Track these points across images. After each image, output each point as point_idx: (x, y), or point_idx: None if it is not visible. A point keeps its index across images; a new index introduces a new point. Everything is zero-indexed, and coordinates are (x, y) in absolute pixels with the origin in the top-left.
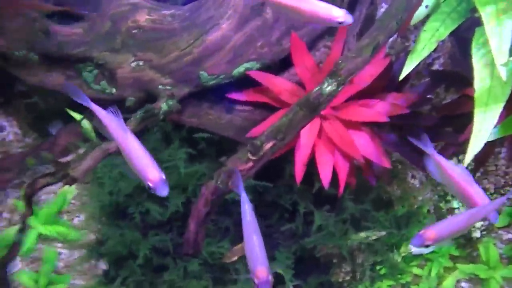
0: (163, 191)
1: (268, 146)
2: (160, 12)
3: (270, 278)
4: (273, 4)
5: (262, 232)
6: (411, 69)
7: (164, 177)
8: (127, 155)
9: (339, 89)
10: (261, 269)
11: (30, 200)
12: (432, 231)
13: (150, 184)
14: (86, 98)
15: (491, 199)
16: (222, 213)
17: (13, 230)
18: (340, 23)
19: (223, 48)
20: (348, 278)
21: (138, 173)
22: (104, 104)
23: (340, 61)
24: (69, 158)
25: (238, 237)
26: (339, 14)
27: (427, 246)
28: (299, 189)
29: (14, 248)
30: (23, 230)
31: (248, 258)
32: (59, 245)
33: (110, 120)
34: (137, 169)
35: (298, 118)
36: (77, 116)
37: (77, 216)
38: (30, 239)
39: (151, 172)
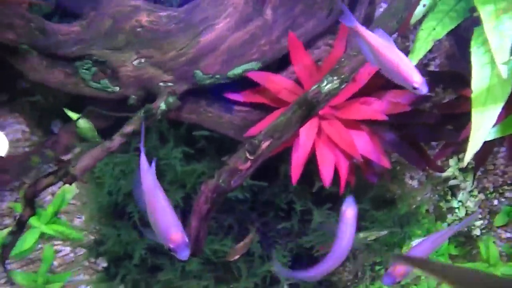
0: (184, 254)
1: (265, 145)
2: (157, 14)
3: (187, 240)
4: (360, 38)
5: (259, 231)
6: None
7: (187, 240)
8: (151, 210)
9: (342, 87)
10: (175, 234)
11: (32, 201)
12: (400, 267)
13: (171, 246)
14: (141, 147)
15: (489, 198)
16: (224, 211)
17: (6, 230)
18: (414, 88)
19: (217, 48)
20: (347, 277)
21: (159, 232)
22: (103, 102)
23: (343, 59)
24: (69, 156)
25: (241, 235)
26: (418, 80)
27: (398, 282)
28: (295, 188)
29: (7, 248)
30: (19, 230)
31: (157, 227)
32: (56, 242)
33: (147, 171)
34: (158, 227)
35: (296, 117)
36: (73, 115)
37: (77, 217)
38: (31, 239)
39: (174, 235)
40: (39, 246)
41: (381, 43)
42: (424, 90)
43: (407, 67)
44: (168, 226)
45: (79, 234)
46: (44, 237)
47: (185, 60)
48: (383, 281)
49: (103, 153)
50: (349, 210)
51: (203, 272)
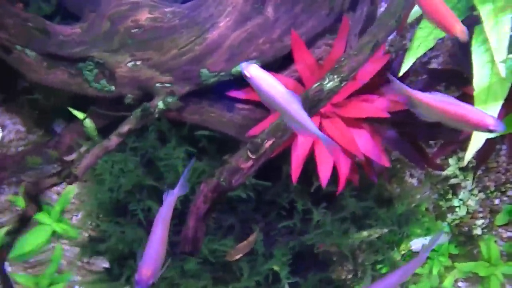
0: None
1: (268, 144)
2: (161, 10)
3: (150, 282)
4: (419, 103)
5: (261, 230)
6: (409, 66)
7: (151, 282)
8: (149, 237)
9: (342, 86)
10: (146, 269)
11: (35, 198)
12: None
13: (137, 278)
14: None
15: (490, 197)
16: (226, 211)
17: (5, 229)
18: (490, 130)
19: (221, 46)
20: (349, 276)
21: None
22: (103, 101)
23: (343, 59)
24: (73, 156)
25: (242, 234)
26: (491, 122)
27: None
28: (296, 188)
29: (6, 247)
30: (21, 227)
31: (144, 253)
32: (64, 241)
33: (168, 203)
34: (143, 254)
35: None
36: (79, 114)
37: (75, 215)
38: (42, 237)
39: (145, 270)
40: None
41: (441, 101)
42: (501, 128)
43: (477, 114)
44: (148, 260)
45: (75, 232)
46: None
47: (190, 58)
48: None
49: (101, 152)
50: (251, 70)
51: (202, 272)
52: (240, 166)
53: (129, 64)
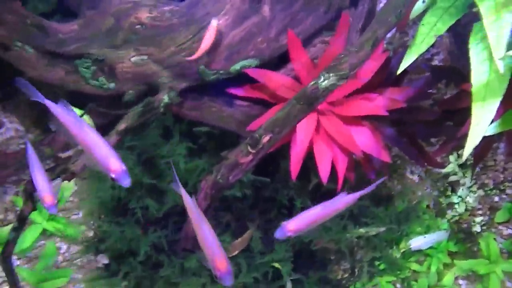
0: (125, 181)
1: (266, 139)
2: (160, 9)
3: (231, 268)
4: None
5: (260, 227)
6: (410, 63)
7: (125, 167)
8: (86, 147)
9: (339, 83)
10: (220, 261)
11: (31, 196)
12: (291, 223)
13: (113, 175)
14: (38, 94)
15: (489, 195)
16: (222, 208)
17: (9, 227)
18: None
19: (219, 44)
20: (345, 275)
21: (99, 164)
22: (102, 99)
23: (342, 55)
24: (69, 153)
25: (238, 231)
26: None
27: (288, 236)
28: (295, 185)
29: (10, 244)
30: (20, 225)
31: (204, 251)
32: (57, 239)
33: (65, 114)
34: (98, 160)
35: (294, 112)
36: (77, 112)
37: (75, 214)
38: (33, 235)
39: (113, 163)
40: (42, 242)
41: None
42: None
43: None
44: (106, 157)
45: (75, 230)
46: (46, 234)
47: (187, 55)
48: (275, 234)
49: None
50: None
51: (201, 270)
52: (239, 161)
53: (133, 59)
